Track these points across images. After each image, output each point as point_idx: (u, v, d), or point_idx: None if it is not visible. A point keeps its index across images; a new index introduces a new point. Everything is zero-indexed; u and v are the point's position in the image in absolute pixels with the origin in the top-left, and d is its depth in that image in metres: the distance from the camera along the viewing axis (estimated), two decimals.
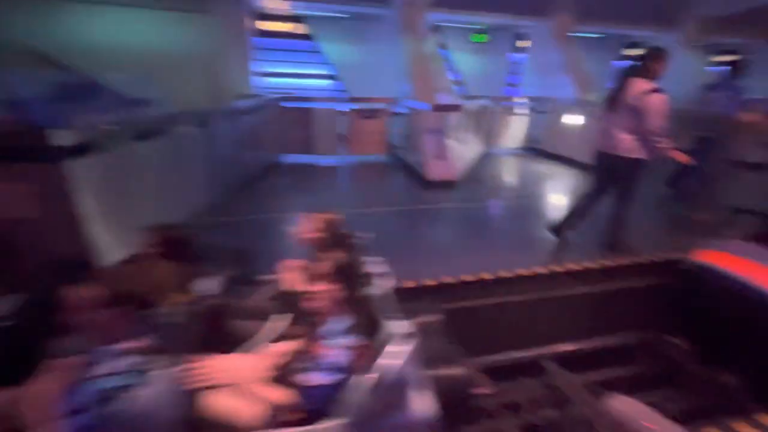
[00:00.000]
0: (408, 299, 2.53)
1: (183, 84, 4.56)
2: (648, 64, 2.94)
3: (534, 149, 7.91)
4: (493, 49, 9.03)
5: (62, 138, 2.40)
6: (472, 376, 1.46)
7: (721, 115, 4.04)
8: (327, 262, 1.27)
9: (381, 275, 1.49)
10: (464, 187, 5.35)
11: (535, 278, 2.78)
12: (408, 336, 1.17)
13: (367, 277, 1.44)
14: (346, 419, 1.04)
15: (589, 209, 3.33)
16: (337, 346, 1.18)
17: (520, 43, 8.87)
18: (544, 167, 6.84)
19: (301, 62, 8.08)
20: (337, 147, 6.58)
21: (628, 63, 3.09)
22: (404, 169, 6.19)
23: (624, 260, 2.95)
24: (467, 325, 2.66)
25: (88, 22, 4.58)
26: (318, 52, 7.92)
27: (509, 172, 6.62)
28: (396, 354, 1.12)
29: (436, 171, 5.34)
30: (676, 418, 2.27)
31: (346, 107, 6.51)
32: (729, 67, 4.49)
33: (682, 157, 3.03)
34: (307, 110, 6.40)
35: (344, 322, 1.24)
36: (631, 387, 2.53)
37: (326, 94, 8.02)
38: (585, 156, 6.57)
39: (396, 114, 6.69)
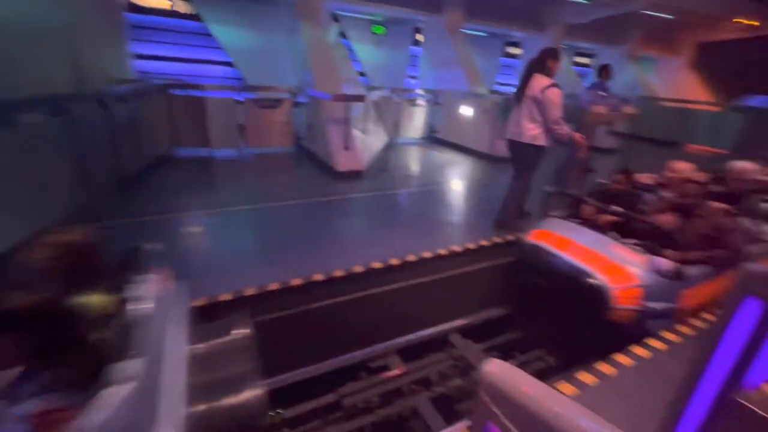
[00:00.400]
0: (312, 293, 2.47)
1: (31, 64, 3.76)
2: (546, 62, 3.30)
3: (434, 139, 8.39)
4: (394, 41, 9.28)
5: None
6: (261, 400, 1.31)
7: (581, 108, 4.76)
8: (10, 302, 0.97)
9: (141, 299, 1.22)
10: (371, 177, 5.45)
11: (437, 260, 2.97)
12: (131, 378, 0.97)
13: (117, 307, 1.18)
14: None
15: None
16: (10, 418, 0.89)
17: (419, 37, 9.25)
18: (443, 155, 7.31)
19: (190, 45, 7.30)
20: (236, 139, 6.14)
21: (529, 60, 3.42)
22: (311, 161, 6.06)
23: (498, 239, 3.31)
24: (379, 310, 2.74)
25: None
26: (208, 34, 7.23)
27: (413, 161, 6.92)
28: (107, 405, 0.90)
29: (343, 161, 5.33)
30: (556, 368, 2.62)
31: (243, 96, 6.10)
32: (600, 69, 5.22)
33: (581, 142, 3.41)
34: (200, 99, 5.83)
35: (38, 378, 0.97)
36: (523, 348, 2.87)
37: (221, 81, 7.40)
38: (478, 144, 7.20)
39: (299, 104, 6.48)
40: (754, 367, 0.91)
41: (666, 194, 2.70)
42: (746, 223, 2.64)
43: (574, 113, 4.60)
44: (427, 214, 4.20)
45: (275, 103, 6.23)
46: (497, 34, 10.20)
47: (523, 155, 3.46)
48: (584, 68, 12.28)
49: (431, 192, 5.09)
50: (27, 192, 3.00)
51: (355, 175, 5.33)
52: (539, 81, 3.28)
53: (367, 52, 9.29)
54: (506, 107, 6.89)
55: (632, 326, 2.19)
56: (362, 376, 2.58)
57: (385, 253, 2.89)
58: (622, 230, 2.61)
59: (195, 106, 5.78)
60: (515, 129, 3.44)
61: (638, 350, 2.03)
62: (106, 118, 4.14)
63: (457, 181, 5.79)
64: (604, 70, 5.17)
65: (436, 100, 8.21)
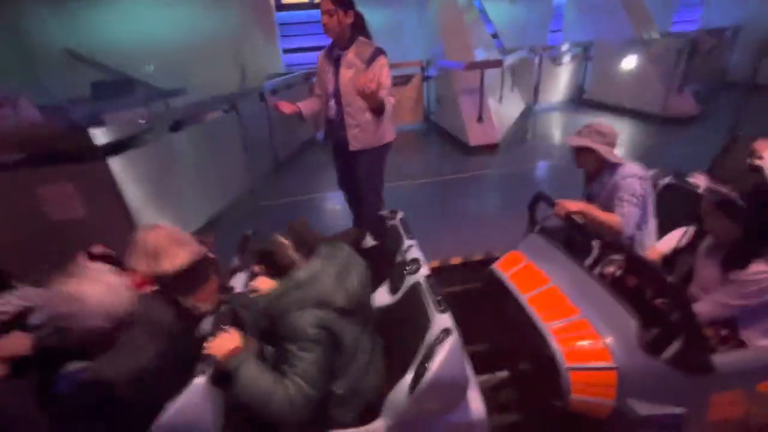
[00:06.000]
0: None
1: (211, 69, 4.53)
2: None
3: (582, 101, 7.23)
4: None
5: (103, 136, 2.44)
6: None
7: None
8: None
9: None
10: (507, 150, 5.01)
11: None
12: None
13: None
14: None
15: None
16: None
17: None
18: (591, 120, 6.23)
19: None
20: None
21: None
22: (441, 136, 5.90)
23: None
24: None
25: (114, 17, 4.65)
26: None
27: (555, 129, 6.10)
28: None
29: (475, 135, 5.02)
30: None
31: None
32: None
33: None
34: None
35: None
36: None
37: None
38: (643, 103, 5.90)
39: (429, 78, 6.32)
40: None
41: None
42: None
43: None
44: (566, 191, 3.64)
45: (405, 79, 6.21)
46: None
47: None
48: None
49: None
50: (213, 179, 3.66)
51: (489, 149, 4.97)
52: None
53: (500, 11, 8.45)
54: (690, 52, 5.42)
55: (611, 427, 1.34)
56: None
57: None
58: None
59: None
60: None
61: None
62: (265, 111, 4.74)
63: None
64: None
65: (585, 54, 7.00)
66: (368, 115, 2.19)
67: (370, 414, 1.18)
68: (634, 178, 1.72)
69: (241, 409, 1.10)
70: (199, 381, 1.00)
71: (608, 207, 1.77)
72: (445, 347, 1.01)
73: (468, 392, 1.16)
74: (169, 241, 1.23)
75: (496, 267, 1.84)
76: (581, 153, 1.84)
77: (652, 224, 1.82)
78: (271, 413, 1.02)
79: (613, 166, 1.80)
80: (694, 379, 1.26)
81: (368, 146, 2.28)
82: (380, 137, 2.28)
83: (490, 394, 1.80)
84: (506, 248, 1.93)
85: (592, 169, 1.88)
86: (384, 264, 1.63)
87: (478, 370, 1.42)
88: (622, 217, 1.70)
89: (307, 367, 1.04)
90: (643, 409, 1.25)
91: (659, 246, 1.72)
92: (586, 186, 2.00)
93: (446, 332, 1.05)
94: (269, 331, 1.17)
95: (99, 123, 2.52)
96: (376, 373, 1.26)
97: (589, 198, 1.95)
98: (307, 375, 1.04)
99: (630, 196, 1.70)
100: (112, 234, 1.77)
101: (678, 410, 1.27)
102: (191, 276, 1.26)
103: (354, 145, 2.26)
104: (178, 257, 1.22)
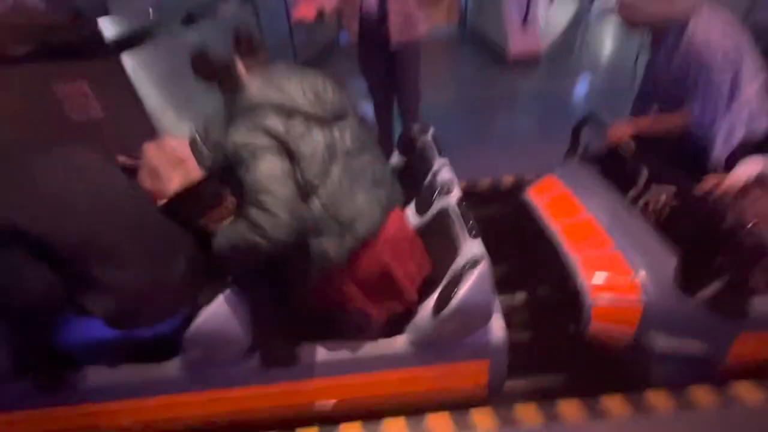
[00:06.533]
0: None
1: None
2: None
3: None
4: None
5: (112, 28, 2.24)
6: None
7: None
8: None
9: None
10: (552, 62, 4.49)
11: None
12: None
13: None
14: None
15: None
16: None
17: None
18: None
19: None
20: None
21: None
22: (479, 44, 5.30)
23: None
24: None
25: None
26: None
27: (608, 39, 5.37)
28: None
29: (518, 41, 4.46)
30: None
31: None
32: None
33: None
34: None
35: None
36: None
37: None
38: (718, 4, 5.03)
39: None
40: None
41: None
42: None
43: None
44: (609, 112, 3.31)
45: None
46: None
47: None
48: None
49: (623, 80, 3.95)
50: None
51: (530, 59, 4.46)
52: None
53: None
54: None
55: (628, 360, 1.34)
56: None
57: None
58: None
59: None
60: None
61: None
62: (284, 5, 4.26)
63: None
64: None
65: None
66: (414, 1, 2.04)
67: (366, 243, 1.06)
68: (712, 40, 1.24)
69: (268, 316, 1.13)
70: (227, 292, 1.02)
71: (682, 86, 1.37)
72: (474, 274, 0.99)
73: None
74: (165, 162, 1.11)
75: (529, 192, 1.75)
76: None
77: (751, 90, 1.32)
78: (252, 249, 0.89)
79: (682, 21, 1.29)
80: (726, 320, 1.23)
81: (410, 38, 2.12)
82: (421, 27, 2.14)
83: (505, 313, 1.85)
84: (541, 173, 1.80)
85: (655, 30, 1.41)
86: (412, 183, 1.55)
87: (497, 290, 1.46)
88: (697, 112, 1.34)
89: (259, 180, 0.89)
90: (665, 344, 1.25)
91: (739, 171, 1.35)
92: (652, 56, 1.53)
93: (477, 259, 1.02)
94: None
95: (106, 12, 2.28)
96: (374, 204, 1.06)
97: (656, 84, 1.53)
98: (261, 188, 0.88)
99: (705, 73, 1.27)
100: (132, 137, 1.71)
101: (700, 348, 1.27)
102: (192, 198, 1.12)
103: (397, 39, 2.09)
104: (171, 181, 1.10)
